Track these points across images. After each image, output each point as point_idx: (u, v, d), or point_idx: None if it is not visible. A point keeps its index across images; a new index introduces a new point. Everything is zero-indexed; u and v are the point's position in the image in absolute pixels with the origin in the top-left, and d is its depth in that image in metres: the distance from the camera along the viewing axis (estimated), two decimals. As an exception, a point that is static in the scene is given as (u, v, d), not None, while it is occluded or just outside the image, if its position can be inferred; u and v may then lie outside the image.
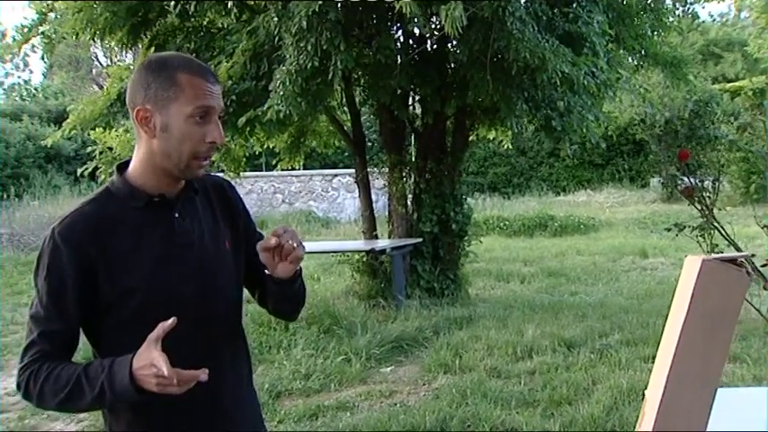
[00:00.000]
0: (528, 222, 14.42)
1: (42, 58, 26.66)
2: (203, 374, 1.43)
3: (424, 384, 5.13)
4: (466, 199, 8.27)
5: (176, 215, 1.62)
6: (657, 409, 2.20)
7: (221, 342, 1.67)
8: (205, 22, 7.59)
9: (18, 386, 1.57)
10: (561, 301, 7.56)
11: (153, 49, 7.32)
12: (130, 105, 1.57)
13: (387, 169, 8.25)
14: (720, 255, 2.28)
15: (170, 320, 1.43)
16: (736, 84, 21.37)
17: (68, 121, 7.73)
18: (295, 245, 1.57)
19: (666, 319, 2.41)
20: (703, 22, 26.32)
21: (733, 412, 2.40)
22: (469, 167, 21.40)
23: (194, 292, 1.60)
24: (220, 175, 1.74)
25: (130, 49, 7.49)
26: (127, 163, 1.64)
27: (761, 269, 5.91)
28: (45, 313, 1.55)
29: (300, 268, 1.67)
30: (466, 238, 8.12)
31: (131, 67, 8.02)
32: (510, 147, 10.09)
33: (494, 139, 9.65)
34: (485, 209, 16.32)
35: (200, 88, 1.55)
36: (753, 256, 2.91)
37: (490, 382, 4.91)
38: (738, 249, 5.79)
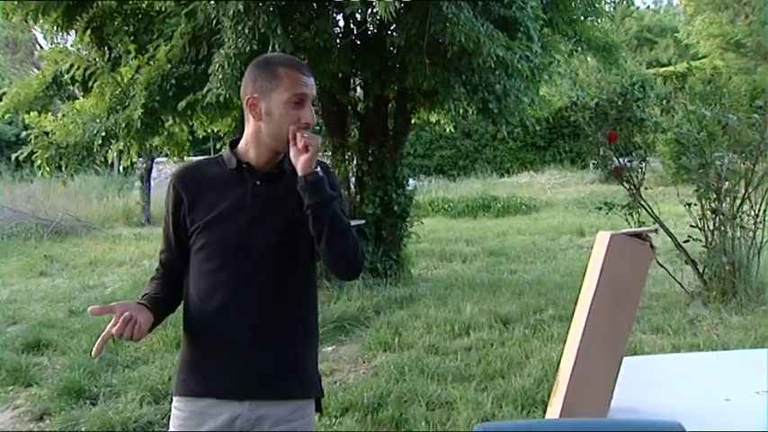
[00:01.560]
0: (472, 204, 14.61)
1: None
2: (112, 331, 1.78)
3: (363, 362, 5.17)
4: (408, 180, 8.32)
5: (257, 182, 1.94)
6: (570, 376, 2.29)
7: (260, 288, 1.92)
8: (144, 5, 7.43)
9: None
10: (500, 280, 7.70)
11: (89, 31, 7.14)
12: (242, 96, 1.94)
13: (330, 152, 8.24)
14: (627, 230, 2.38)
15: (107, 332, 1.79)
16: (668, 68, 21.97)
17: (2, 104, 7.49)
18: (305, 134, 1.86)
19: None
20: (638, 8, 26.93)
21: (639, 379, 2.51)
22: (416, 150, 21.51)
23: (243, 241, 1.90)
24: (324, 162, 2.01)
25: (67, 31, 7.26)
26: (238, 140, 2.00)
27: (683, 245, 6.11)
28: (164, 233, 2.04)
29: (330, 196, 1.88)
30: (408, 219, 8.18)
31: (68, 50, 7.80)
32: (454, 130, 10.17)
33: (437, 122, 9.72)
34: (430, 191, 16.45)
35: (296, 79, 1.89)
36: (656, 230, 3.04)
37: (428, 359, 4.98)
38: (663, 226, 6.01)
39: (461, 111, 7.38)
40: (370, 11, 6.37)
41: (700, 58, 21.92)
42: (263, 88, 1.90)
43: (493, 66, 5.92)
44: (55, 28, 7.18)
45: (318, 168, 1.88)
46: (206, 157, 2.13)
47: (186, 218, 1.94)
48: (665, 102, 7.23)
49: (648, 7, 32.05)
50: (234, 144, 2.01)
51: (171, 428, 1.98)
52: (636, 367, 2.54)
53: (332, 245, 1.88)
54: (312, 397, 2.00)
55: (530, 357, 4.89)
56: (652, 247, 2.21)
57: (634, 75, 15.30)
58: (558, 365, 4.59)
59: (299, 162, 1.86)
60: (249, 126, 1.95)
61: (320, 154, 1.94)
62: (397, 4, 4.98)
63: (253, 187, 1.93)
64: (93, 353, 1.82)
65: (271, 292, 1.92)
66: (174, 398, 1.98)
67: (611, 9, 8.90)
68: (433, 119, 9.40)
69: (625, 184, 6.06)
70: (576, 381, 2.20)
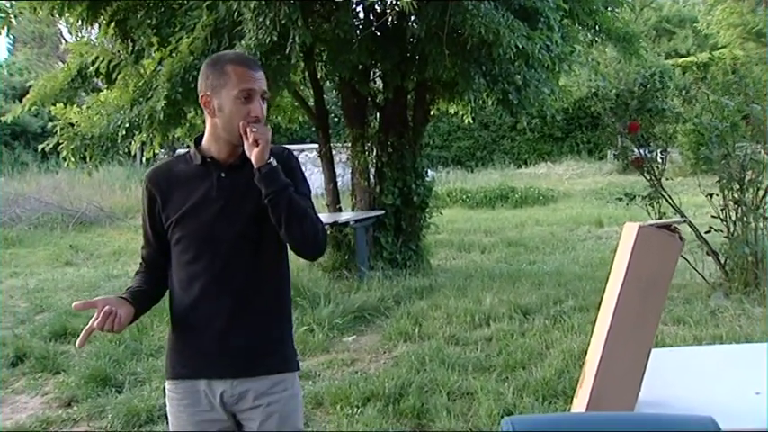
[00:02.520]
0: (490, 194, 14.51)
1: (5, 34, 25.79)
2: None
3: (384, 353, 5.15)
4: (426, 171, 8.27)
5: (222, 174, 2.03)
6: (597, 369, 2.24)
7: (232, 275, 2.02)
8: (166, -2, 7.40)
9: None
10: (519, 270, 7.64)
11: (113, 24, 7.13)
12: (198, 94, 2.02)
13: (349, 143, 8.20)
14: (655, 221, 2.32)
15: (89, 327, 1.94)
16: (687, 59, 21.66)
17: (28, 96, 7.52)
18: (254, 128, 1.94)
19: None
20: (657, -1, 26.53)
21: (666, 371, 2.45)
22: (434, 141, 21.41)
23: (212, 232, 2.00)
24: (283, 147, 2.16)
25: (91, 24, 7.26)
26: (201, 137, 2.09)
27: (704, 235, 6.01)
28: (142, 232, 2.15)
29: (285, 184, 1.96)
30: (427, 210, 8.13)
31: (93, 42, 7.81)
32: (471, 121, 10.09)
33: (456, 113, 9.65)
34: (449, 182, 16.37)
35: (243, 75, 1.97)
36: (684, 221, 2.98)
37: (448, 349, 4.95)
38: (684, 217, 5.91)
39: (480, 102, 7.31)
40: (390, 2, 6.31)
41: (719, 49, 21.57)
42: (213, 86, 1.98)
43: (513, 56, 5.85)
44: (79, 22, 7.17)
45: (272, 159, 1.96)
46: (174, 155, 2.23)
47: (161, 214, 2.05)
48: (684, 92, 7.11)
49: (667, -3, 31.60)
50: (198, 141, 2.10)
51: (168, 409, 2.11)
52: (662, 360, 2.48)
53: (291, 231, 1.97)
54: (292, 371, 2.11)
55: (550, 348, 4.84)
56: (681, 238, 2.15)
57: (653, 65, 15.09)
58: (580, 356, 4.56)
59: (252, 155, 1.94)
60: (207, 122, 2.05)
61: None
62: (418, -6, 4.92)
63: (218, 179, 2.03)
64: (77, 343, 2.00)
65: (242, 278, 2.02)
66: (167, 381, 2.11)
67: (631, -1, 8.75)
68: (452, 110, 9.33)
69: (645, 174, 5.96)
70: (604, 373, 2.16)
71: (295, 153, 2.16)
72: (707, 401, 2.12)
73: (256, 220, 2.01)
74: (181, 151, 2.36)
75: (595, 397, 2.13)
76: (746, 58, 20.03)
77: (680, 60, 21.45)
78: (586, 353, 4.37)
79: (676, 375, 2.48)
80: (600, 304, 5.67)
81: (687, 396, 2.25)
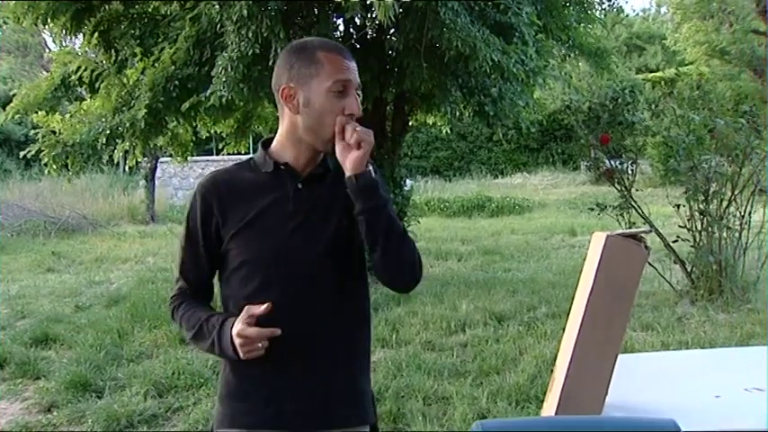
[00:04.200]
0: (467, 204, 14.59)
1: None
2: (259, 309, 1.54)
3: (362, 358, 5.14)
4: (405, 181, 8.30)
5: (299, 185, 1.65)
6: (566, 374, 2.27)
7: (311, 309, 1.63)
8: (150, 9, 7.39)
9: (171, 313, 1.75)
10: (495, 278, 7.68)
11: (97, 34, 7.10)
12: (275, 87, 1.65)
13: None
14: (623, 231, 2.35)
15: (264, 306, 1.54)
16: (656, 74, 22.00)
17: (12, 105, 7.46)
18: (357, 128, 1.57)
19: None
20: (627, 15, 26.92)
21: (633, 376, 2.48)
22: (413, 152, 21.49)
23: (287, 255, 1.62)
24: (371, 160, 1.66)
25: (75, 34, 7.22)
26: (271, 140, 1.72)
27: (671, 245, 6.09)
28: (181, 254, 1.73)
29: (385, 200, 1.60)
30: (405, 218, 8.16)
31: (76, 52, 7.76)
32: (449, 132, 10.16)
33: (434, 124, 9.70)
34: (427, 191, 16.43)
35: (338, 63, 1.60)
36: (650, 231, 3.03)
37: (425, 355, 4.96)
38: (653, 227, 5.98)
39: (457, 113, 7.36)
40: (369, 15, 6.34)
41: (686, 65, 21.95)
42: (300, 76, 1.60)
43: (489, 70, 5.90)
44: (63, 31, 7.14)
45: (371, 167, 1.58)
46: (235, 162, 1.77)
47: (218, 232, 1.65)
48: (654, 106, 7.23)
49: (638, 15, 32.10)
50: (267, 144, 1.72)
51: None
52: (629, 365, 2.52)
53: (389, 254, 1.60)
54: (369, 423, 1.75)
55: (523, 354, 4.87)
56: (646, 247, 2.19)
57: (624, 80, 15.32)
58: (552, 362, 4.59)
59: (350, 160, 1.56)
60: (284, 121, 1.66)
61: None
62: (395, 8, 4.94)
63: (294, 192, 1.64)
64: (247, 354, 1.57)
65: (324, 310, 1.64)
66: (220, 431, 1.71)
67: (603, 16, 8.87)
68: (430, 121, 9.38)
69: (616, 185, 6.04)
70: (572, 378, 2.18)
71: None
72: (670, 405, 2.15)
73: (341, 242, 1.64)
74: (243, 157, 1.91)
75: (564, 400, 2.15)
76: (712, 75, 20.43)
77: (650, 75, 21.80)
78: (554, 357, 4.40)
79: (643, 380, 2.51)
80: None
81: (652, 400, 2.28)
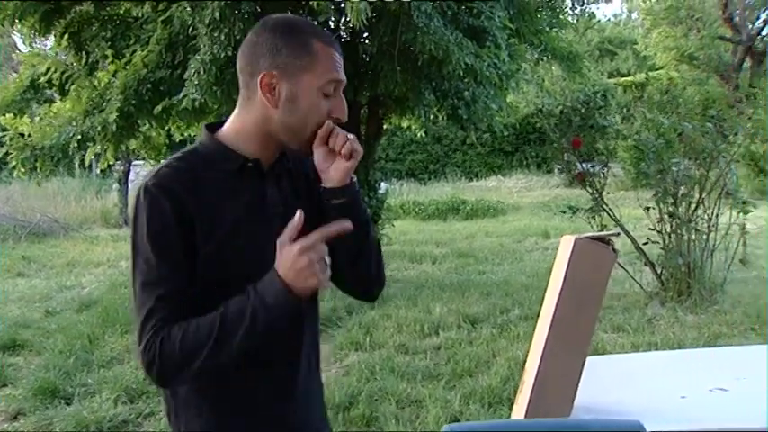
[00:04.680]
0: (442, 207, 14.61)
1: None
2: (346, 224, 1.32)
3: (335, 362, 5.12)
4: (379, 184, 8.29)
5: (270, 185, 1.42)
6: (535, 376, 2.27)
7: (296, 328, 1.46)
8: (121, 11, 7.30)
9: (148, 367, 1.30)
10: (469, 281, 7.70)
11: (67, 36, 7.00)
12: (248, 70, 1.36)
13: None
14: (591, 234, 2.37)
15: (298, 217, 1.29)
16: (628, 78, 22.31)
17: (-21, 107, 7.33)
18: (349, 136, 1.37)
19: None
20: (599, 21, 27.27)
21: (602, 378, 2.50)
22: (388, 155, 21.50)
23: (266, 268, 1.32)
24: None
25: (44, 35, 7.11)
26: (217, 124, 1.44)
27: (642, 247, 6.15)
28: (156, 273, 1.32)
29: (368, 216, 1.44)
30: (379, 221, 8.15)
31: (47, 54, 7.64)
32: (424, 135, 10.18)
33: (409, 127, 9.72)
34: (402, 194, 16.43)
35: (335, 60, 1.37)
36: (618, 234, 3.06)
37: (398, 358, 4.95)
38: (624, 229, 6.04)
39: (431, 116, 7.37)
40: (343, 19, 6.33)
41: (656, 70, 22.27)
42: (288, 65, 1.34)
43: (462, 73, 5.92)
44: (33, 33, 7.03)
45: (353, 177, 1.41)
46: (177, 154, 1.44)
47: (196, 238, 1.35)
48: (625, 110, 7.32)
49: (609, 20, 32.53)
50: (213, 129, 1.44)
51: None
52: (598, 367, 2.53)
53: (360, 266, 1.46)
54: None
55: (497, 356, 4.88)
56: (614, 250, 2.20)
57: (596, 84, 15.49)
58: (524, 365, 4.61)
59: (338, 171, 1.38)
60: (251, 110, 1.39)
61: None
62: (368, 12, 4.94)
63: (269, 194, 1.42)
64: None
65: (306, 331, 1.48)
66: None
67: (575, 20, 8.96)
68: (405, 124, 9.39)
69: (588, 188, 6.09)
70: (541, 380, 2.19)
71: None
72: (637, 405, 2.17)
73: None
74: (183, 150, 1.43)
75: (533, 403, 2.16)
76: (681, 80, 20.75)
77: (621, 80, 22.08)
78: (524, 360, 4.42)
79: (611, 381, 2.53)
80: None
81: (620, 400, 2.30)
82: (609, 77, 22.33)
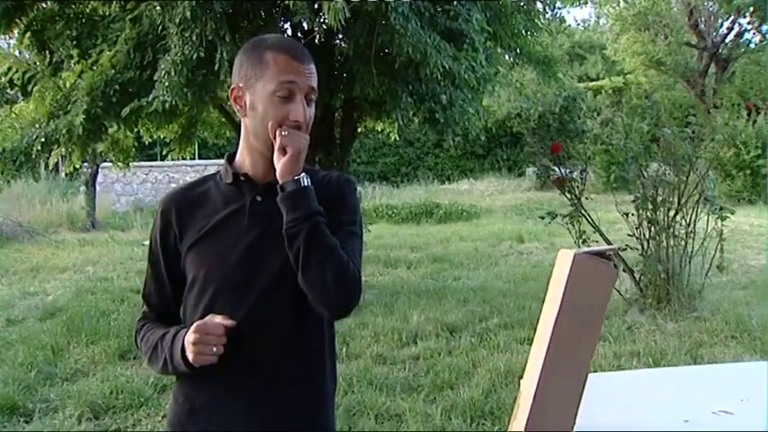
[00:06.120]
0: (415, 210, 14.48)
1: None
2: (228, 322, 1.42)
3: (311, 373, 4.92)
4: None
5: (257, 197, 1.52)
6: (533, 398, 2.11)
7: (264, 336, 1.49)
8: (87, 9, 6.99)
9: (134, 339, 1.65)
10: (445, 287, 7.55)
11: (29, 34, 6.67)
12: (231, 86, 1.55)
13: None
14: (590, 248, 2.21)
15: (229, 322, 1.43)
16: (598, 83, 22.47)
17: (-63, 109, 6.96)
18: (284, 132, 1.44)
19: (541, 307, 2.33)
20: (569, 25, 27.45)
21: (602, 396, 2.35)
22: (360, 157, 21.34)
23: (239, 274, 1.49)
24: (338, 172, 1.66)
25: (5, 33, 6.77)
26: (236, 152, 1.61)
27: (620, 253, 6.04)
28: (145, 276, 1.62)
29: (314, 211, 1.44)
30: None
31: (8, 52, 7.30)
32: (398, 138, 10.02)
33: (382, 130, 9.54)
34: (374, 197, 16.28)
35: (286, 65, 1.46)
36: (618, 249, 2.94)
37: (376, 369, 4.77)
38: (603, 237, 5.93)
39: (407, 120, 7.21)
40: (317, 20, 6.13)
41: (625, 74, 22.47)
42: (248, 76, 1.49)
43: (440, 76, 5.76)
44: (-7, 30, 6.68)
45: (303, 175, 1.45)
46: (202, 175, 1.69)
47: (178, 246, 1.54)
48: (595, 114, 7.24)
49: (579, 25, 32.79)
50: (232, 157, 1.61)
51: None
52: (597, 385, 2.38)
53: (308, 273, 1.41)
54: None
55: (477, 367, 4.73)
56: (615, 266, 2.05)
57: (569, 88, 15.50)
58: (507, 375, 4.47)
59: (278, 167, 1.45)
60: (242, 126, 1.56)
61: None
62: (346, 13, 4.75)
63: (251, 204, 1.51)
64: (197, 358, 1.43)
65: (278, 341, 1.48)
66: None
67: (546, 25, 8.87)
68: (379, 127, 9.22)
69: (567, 193, 5.98)
70: (540, 402, 2.02)
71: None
72: (640, 429, 2.02)
73: None
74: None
75: (533, 420, 1.99)
76: (649, 84, 20.96)
77: (591, 84, 22.21)
78: (517, 374, 4.26)
79: (612, 401, 2.38)
80: (524, 321, 5.61)
81: (622, 423, 2.15)
82: (579, 81, 22.44)
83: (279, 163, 1.45)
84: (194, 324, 1.42)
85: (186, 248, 1.52)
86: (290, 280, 1.45)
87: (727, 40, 21.59)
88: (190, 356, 1.41)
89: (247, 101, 1.50)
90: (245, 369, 1.48)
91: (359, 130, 8.38)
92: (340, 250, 1.44)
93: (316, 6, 5.61)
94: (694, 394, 2.40)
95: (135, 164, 11.31)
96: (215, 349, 1.41)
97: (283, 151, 1.44)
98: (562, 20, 10.23)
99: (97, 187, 14.89)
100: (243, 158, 1.56)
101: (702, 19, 21.49)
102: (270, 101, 1.46)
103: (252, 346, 1.47)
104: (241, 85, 1.50)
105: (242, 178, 1.54)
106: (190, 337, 1.41)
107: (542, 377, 2.07)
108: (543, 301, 2.26)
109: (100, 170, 14.92)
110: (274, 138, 1.45)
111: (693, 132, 6.03)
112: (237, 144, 1.61)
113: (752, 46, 21.63)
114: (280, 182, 1.45)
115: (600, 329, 2.26)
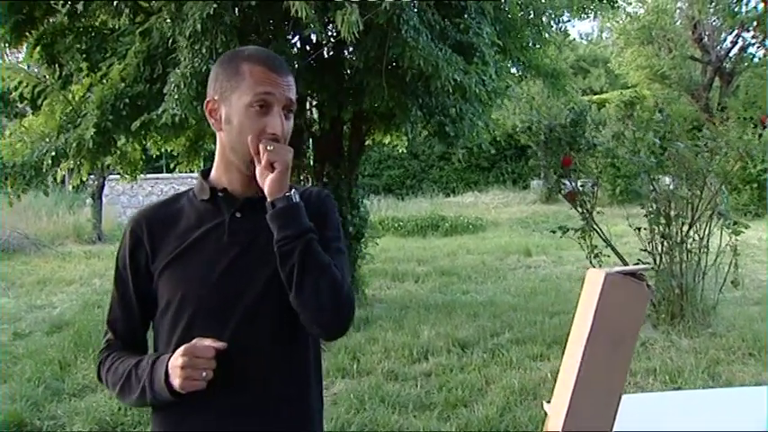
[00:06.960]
0: (421, 223, 14.40)
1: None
2: (218, 344, 1.34)
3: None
4: (362, 202, 8.03)
5: (237, 213, 1.46)
6: (564, 423, 2.02)
7: (246, 361, 1.41)
8: (97, 23, 6.96)
9: (98, 376, 1.54)
10: (454, 300, 7.46)
11: (39, 48, 6.64)
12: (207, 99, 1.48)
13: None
14: (621, 268, 2.13)
15: (220, 344, 1.35)
16: (602, 96, 22.42)
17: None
18: (269, 147, 1.38)
19: (569, 330, 2.24)
20: (573, 39, 27.47)
21: (623, 419, 2.26)
22: (365, 170, 21.28)
23: (218, 295, 1.41)
24: (318, 188, 1.59)
25: (15, 47, 6.73)
26: (210, 169, 1.55)
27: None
28: (111, 300, 1.53)
29: (305, 228, 1.39)
30: (363, 240, 7.88)
31: (18, 66, 7.26)
32: (404, 150, 9.96)
33: (389, 143, 9.48)
34: (380, 210, 16.20)
35: (261, 76, 1.41)
36: (649, 268, 2.85)
37: (387, 386, 4.67)
38: (616, 252, 5.83)
39: (417, 133, 7.15)
40: (326, 33, 6.09)
41: (629, 88, 22.43)
42: (223, 89, 1.44)
43: (451, 89, 5.70)
44: (3, 44, 6.64)
45: (293, 191, 1.40)
46: (174, 193, 1.61)
47: (150, 267, 1.45)
48: (601, 127, 7.17)
49: (582, 39, 32.84)
50: (206, 173, 1.54)
51: None
52: (630, 407, 2.29)
53: (302, 292, 1.35)
54: None
55: (491, 384, 4.64)
56: (648, 286, 1.96)
57: (579, 102, 15.49)
58: (521, 393, 4.36)
59: (265, 185, 1.39)
60: (217, 140, 1.49)
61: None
62: (360, 25, 4.70)
63: (230, 221, 1.44)
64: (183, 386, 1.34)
65: (261, 365, 1.42)
66: None
67: (553, 38, 8.82)
68: (387, 140, 9.15)
69: (578, 208, 5.89)
70: (572, 423, 1.93)
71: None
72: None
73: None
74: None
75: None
76: (654, 98, 20.90)
77: (595, 97, 22.17)
78: (531, 391, 4.16)
79: (634, 425, 2.29)
80: (536, 337, 5.50)
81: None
82: (583, 95, 22.42)
83: (266, 179, 1.39)
84: (182, 347, 1.33)
85: (159, 270, 1.44)
86: (274, 297, 1.40)
87: (731, 54, 21.55)
88: (176, 382, 1.32)
89: (222, 114, 1.44)
90: (234, 391, 1.40)
91: (367, 143, 8.32)
92: (333, 268, 1.40)
93: (326, 19, 5.56)
94: (730, 418, 2.31)
95: (141, 176, 11.26)
96: (204, 374, 1.33)
97: (271, 167, 1.38)
98: (566, 33, 10.19)
99: (103, 199, 14.85)
100: (219, 174, 1.50)
101: (706, 33, 21.46)
102: (246, 113, 1.41)
103: (241, 367, 1.40)
104: (216, 97, 1.46)
105: (220, 194, 1.48)
106: (177, 361, 1.32)
107: (573, 403, 1.98)
108: (571, 322, 2.18)
109: (106, 182, 14.88)
110: (256, 152, 1.39)
111: (706, 146, 5.94)
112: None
113: (756, 60, 21.59)
114: (269, 199, 1.39)
115: (632, 353, 2.18)
